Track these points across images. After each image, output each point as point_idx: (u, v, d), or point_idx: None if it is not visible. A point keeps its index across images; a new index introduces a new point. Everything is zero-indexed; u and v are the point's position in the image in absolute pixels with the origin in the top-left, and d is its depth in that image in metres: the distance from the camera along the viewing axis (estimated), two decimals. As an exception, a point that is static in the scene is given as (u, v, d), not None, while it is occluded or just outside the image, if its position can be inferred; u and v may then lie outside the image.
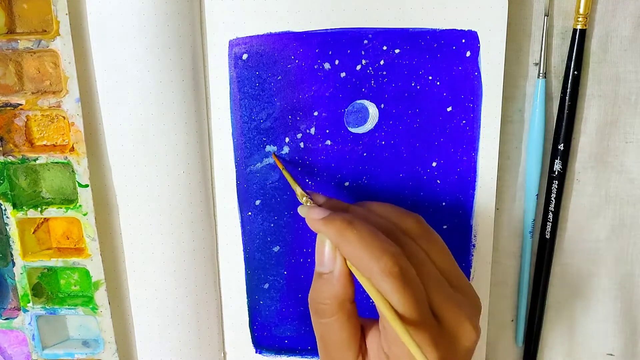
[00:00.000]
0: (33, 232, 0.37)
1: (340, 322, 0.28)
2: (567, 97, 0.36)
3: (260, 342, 0.40)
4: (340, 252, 0.27)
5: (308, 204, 0.31)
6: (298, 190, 0.32)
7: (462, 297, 0.28)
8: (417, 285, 0.26)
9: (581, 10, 0.34)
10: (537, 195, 0.37)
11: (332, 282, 0.28)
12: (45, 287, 0.38)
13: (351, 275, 0.28)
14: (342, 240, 0.27)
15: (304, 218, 0.35)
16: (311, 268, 0.38)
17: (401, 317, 0.25)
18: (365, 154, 0.36)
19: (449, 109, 0.35)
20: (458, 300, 0.27)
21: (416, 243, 0.29)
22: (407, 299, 0.25)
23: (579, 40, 0.35)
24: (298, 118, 0.35)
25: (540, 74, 0.36)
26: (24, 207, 0.35)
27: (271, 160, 0.36)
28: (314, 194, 0.32)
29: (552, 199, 0.37)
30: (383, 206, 0.31)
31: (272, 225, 0.37)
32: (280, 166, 0.35)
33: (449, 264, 0.29)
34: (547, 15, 0.35)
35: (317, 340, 0.29)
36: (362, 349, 0.28)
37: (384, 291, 0.25)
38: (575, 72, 0.35)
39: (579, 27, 0.35)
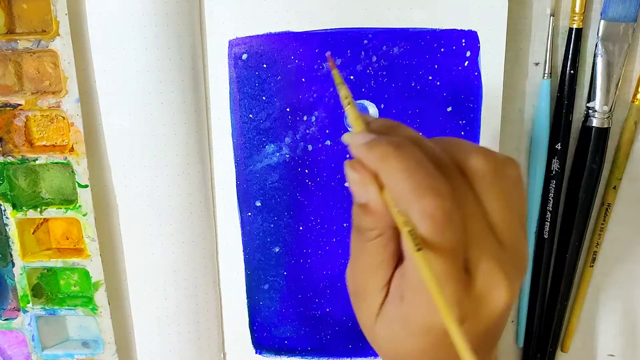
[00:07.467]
0: (33, 233, 0.37)
1: (376, 247, 0.25)
2: (565, 97, 0.36)
3: (260, 343, 0.39)
4: (380, 180, 0.24)
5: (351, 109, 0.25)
6: (343, 91, 0.26)
7: (507, 255, 0.24)
8: (457, 235, 0.23)
9: (577, 9, 0.34)
10: (541, 195, 0.37)
11: (369, 213, 0.24)
12: (45, 288, 0.38)
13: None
14: (383, 167, 0.23)
15: (303, 218, 0.35)
16: (311, 269, 0.38)
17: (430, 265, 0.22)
18: (365, 154, 0.36)
19: (449, 109, 0.35)
20: (500, 258, 0.24)
21: (474, 186, 0.24)
22: (442, 248, 0.22)
23: (575, 39, 0.35)
24: (298, 118, 0.35)
25: (545, 75, 0.35)
26: (23, 208, 0.35)
27: (270, 160, 0.36)
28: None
29: (550, 198, 0.37)
30: (449, 138, 0.26)
31: (272, 225, 0.37)
32: (331, 64, 0.28)
33: (507, 217, 0.24)
34: (553, 16, 0.35)
35: (350, 257, 0.26)
36: (389, 284, 0.25)
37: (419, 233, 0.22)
38: (572, 72, 0.35)
39: (574, 26, 0.35)
